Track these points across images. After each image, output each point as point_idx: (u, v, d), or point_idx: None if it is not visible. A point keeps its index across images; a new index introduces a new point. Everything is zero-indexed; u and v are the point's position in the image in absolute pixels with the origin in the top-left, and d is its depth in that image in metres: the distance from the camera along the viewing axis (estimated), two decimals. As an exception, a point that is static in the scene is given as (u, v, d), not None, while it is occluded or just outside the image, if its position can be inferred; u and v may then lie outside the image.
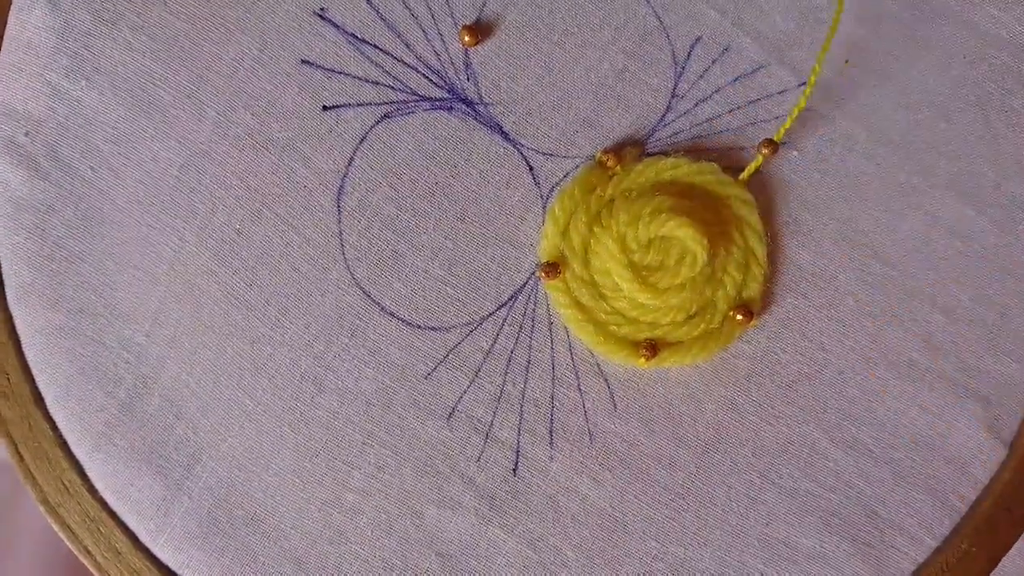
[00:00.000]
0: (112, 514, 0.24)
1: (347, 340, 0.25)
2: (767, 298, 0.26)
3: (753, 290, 0.25)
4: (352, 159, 0.25)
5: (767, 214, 0.26)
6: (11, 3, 0.24)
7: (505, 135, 0.25)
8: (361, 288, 0.25)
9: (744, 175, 0.25)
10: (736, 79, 0.26)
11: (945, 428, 0.26)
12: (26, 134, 0.24)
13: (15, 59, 0.24)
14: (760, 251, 0.25)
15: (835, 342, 0.26)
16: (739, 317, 0.25)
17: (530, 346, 0.25)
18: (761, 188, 0.26)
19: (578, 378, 0.25)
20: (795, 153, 0.26)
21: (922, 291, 0.26)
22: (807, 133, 0.26)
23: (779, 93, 0.26)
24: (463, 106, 0.25)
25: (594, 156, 0.26)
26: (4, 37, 0.24)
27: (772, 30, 0.26)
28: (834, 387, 0.26)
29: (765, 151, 0.25)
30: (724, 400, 0.26)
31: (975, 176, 0.27)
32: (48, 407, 0.24)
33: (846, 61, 0.26)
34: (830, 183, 0.26)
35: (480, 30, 0.25)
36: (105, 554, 0.24)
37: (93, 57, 0.24)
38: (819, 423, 0.26)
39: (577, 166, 0.26)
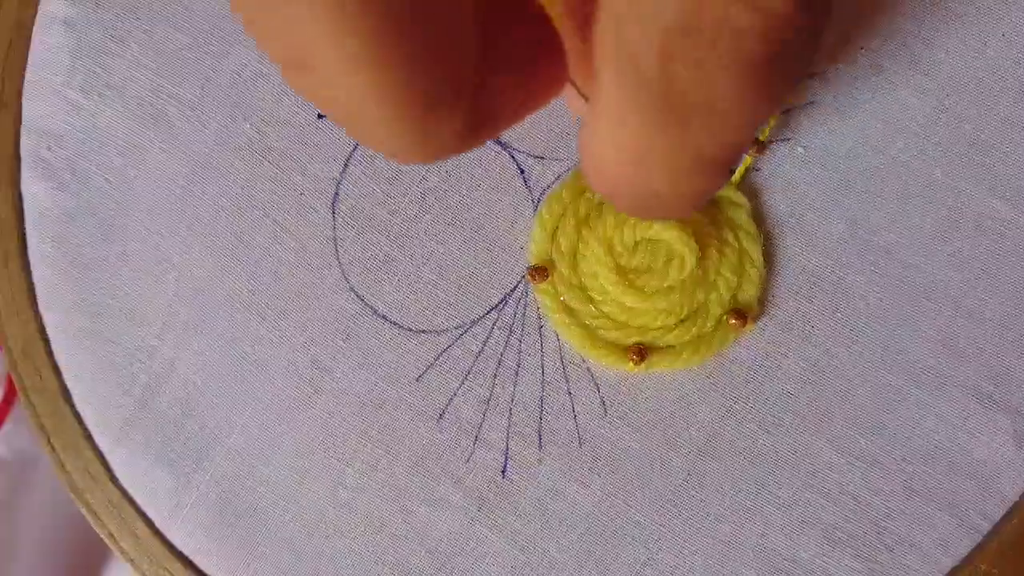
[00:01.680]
0: (132, 502, 0.27)
1: (341, 343, 0.27)
2: (767, 301, 0.26)
3: (749, 293, 0.26)
4: (346, 166, 0.27)
5: (769, 214, 0.26)
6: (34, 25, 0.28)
7: (496, 138, 0.27)
8: (355, 292, 0.27)
9: (735, 177, 0.26)
10: (738, 71, 0.26)
11: (967, 440, 0.26)
12: (48, 148, 0.27)
13: (37, 77, 0.27)
14: (755, 253, 0.26)
15: (842, 347, 0.26)
16: (733, 321, 0.25)
17: (520, 349, 0.27)
18: (762, 187, 0.26)
19: (568, 382, 0.26)
20: (800, 149, 0.26)
21: (944, 293, 0.26)
22: (814, 127, 0.26)
23: (784, 85, 0.26)
24: (454, 109, 0.27)
25: (586, 157, 0.26)
26: (28, 57, 0.28)
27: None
28: (841, 395, 0.26)
29: (752, 150, 0.25)
30: (719, 406, 0.26)
31: (1011, 168, 0.26)
32: (75, 403, 0.28)
33: (860, 47, 0.26)
34: (838, 179, 0.26)
35: (470, 32, 0.26)
36: (127, 538, 0.28)
37: (106, 74, 0.27)
38: (823, 432, 0.26)
39: (568, 169, 0.27)
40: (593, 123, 0.16)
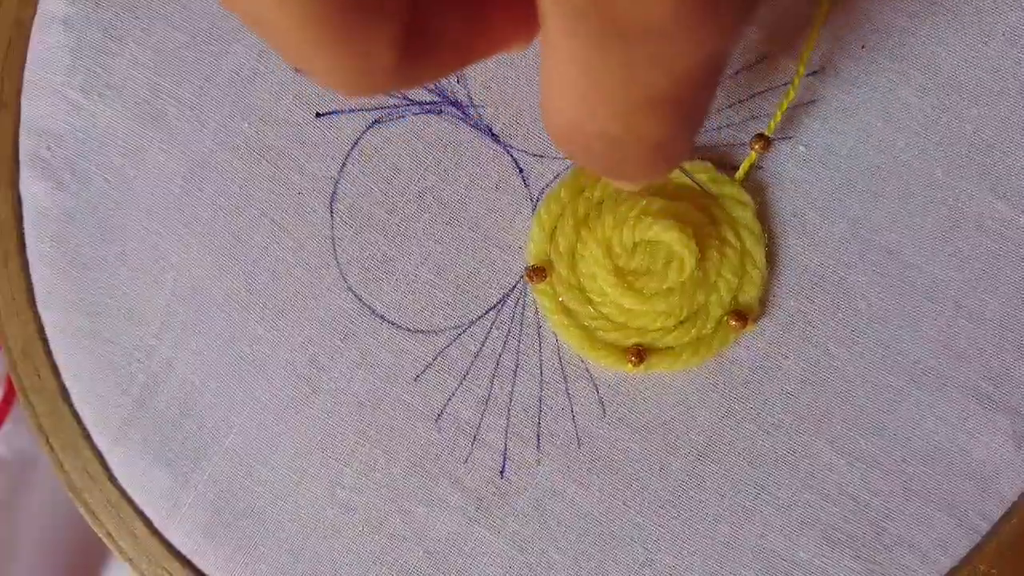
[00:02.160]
0: (130, 501, 0.28)
1: (339, 343, 0.27)
2: (767, 302, 0.26)
3: (750, 294, 0.26)
4: (344, 165, 0.27)
5: (770, 213, 0.26)
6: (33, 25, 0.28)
7: (495, 137, 0.27)
8: (353, 292, 0.27)
9: (739, 174, 0.26)
10: (738, 71, 0.26)
11: (966, 441, 0.26)
12: (48, 148, 0.28)
13: (37, 77, 0.28)
14: (758, 253, 0.26)
15: (843, 348, 0.26)
16: (733, 323, 0.26)
17: (518, 350, 0.27)
18: (763, 186, 0.26)
19: (566, 382, 0.27)
20: (802, 148, 0.26)
21: (944, 293, 0.26)
22: (816, 125, 0.26)
23: (785, 85, 0.26)
24: (453, 109, 0.27)
25: (585, 156, 0.27)
26: (27, 57, 0.28)
27: (778, 15, 0.26)
28: (840, 395, 0.26)
29: (757, 147, 0.25)
30: (719, 407, 0.26)
31: (1011, 168, 0.26)
32: (73, 402, 0.28)
33: (862, 46, 0.26)
34: (840, 178, 0.26)
35: (468, 31, 0.27)
36: (125, 538, 0.28)
37: (105, 73, 0.27)
38: (822, 433, 0.26)
39: (567, 167, 0.27)
40: (543, 66, 0.15)
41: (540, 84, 0.16)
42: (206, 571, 0.27)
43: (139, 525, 0.28)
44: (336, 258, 0.27)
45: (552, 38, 0.14)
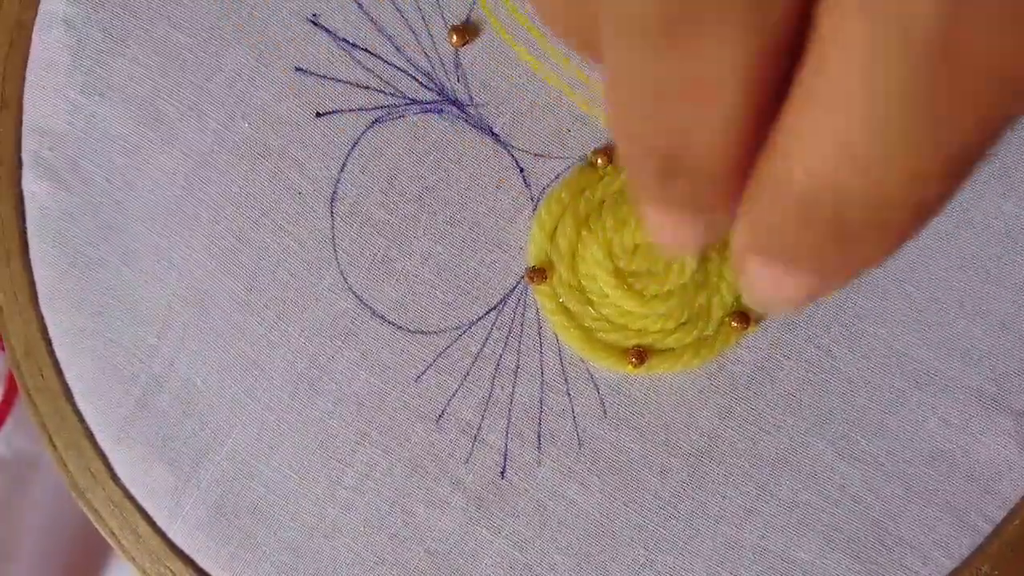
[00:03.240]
0: (133, 500, 0.28)
1: (340, 343, 0.28)
2: (768, 302, 0.27)
3: (751, 295, 0.26)
4: (344, 165, 0.28)
5: (771, 213, 0.27)
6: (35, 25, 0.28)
7: (495, 136, 0.27)
8: (353, 292, 0.28)
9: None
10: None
11: (969, 442, 0.26)
12: (50, 148, 0.28)
13: (38, 78, 0.28)
14: (758, 254, 0.26)
15: (844, 349, 0.27)
16: (735, 324, 0.26)
17: (519, 350, 0.27)
18: (765, 186, 0.27)
19: (567, 383, 0.27)
20: (803, 148, 0.27)
21: (948, 294, 0.26)
22: (817, 126, 0.27)
23: (786, 84, 0.27)
24: (453, 108, 0.27)
25: (586, 156, 0.27)
26: (29, 58, 0.28)
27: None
28: (842, 396, 0.27)
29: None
30: (720, 408, 0.27)
31: (1019, 168, 0.26)
32: (76, 401, 0.29)
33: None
34: (841, 179, 0.27)
35: (469, 30, 0.27)
36: (128, 537, 0.29)
37: (106, 73, 0.28)
38: (824, 433, 0.27)
39: (568, 167, 0.27)
40: (807, 123, 0.12)
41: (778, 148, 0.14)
42: (208, 570, 0.28)
43: (142, 524, 0.28)
44: (336, 258, 0.28)
45: (845, 88, 0.12)
